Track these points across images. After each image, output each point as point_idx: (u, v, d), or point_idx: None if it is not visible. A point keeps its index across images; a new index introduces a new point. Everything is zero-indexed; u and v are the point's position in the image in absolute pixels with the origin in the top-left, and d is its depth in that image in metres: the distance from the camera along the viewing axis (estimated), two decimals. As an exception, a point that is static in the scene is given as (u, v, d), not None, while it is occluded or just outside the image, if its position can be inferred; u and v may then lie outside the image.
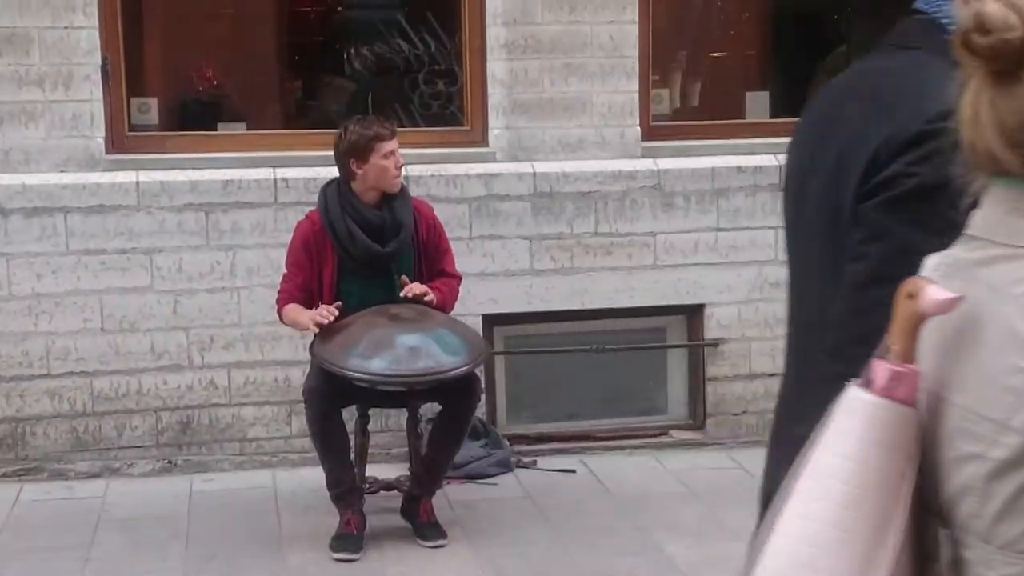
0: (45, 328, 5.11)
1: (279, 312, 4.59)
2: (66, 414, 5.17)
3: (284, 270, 4.64)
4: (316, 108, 6.41)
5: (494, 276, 5.37)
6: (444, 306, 4.56)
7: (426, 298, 4.43)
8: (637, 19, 5.45)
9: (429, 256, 4.63)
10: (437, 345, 4.30)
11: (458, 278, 4.70)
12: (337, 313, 4.34)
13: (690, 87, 6.29)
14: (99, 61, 5.11)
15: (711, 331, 5.60)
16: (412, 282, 4.46)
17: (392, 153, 4.51)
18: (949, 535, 1.32)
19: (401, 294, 4.42)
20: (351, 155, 4.51)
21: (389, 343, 4.26)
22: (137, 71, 5.64)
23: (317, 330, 4.35)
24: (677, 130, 5.73)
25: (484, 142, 5.47)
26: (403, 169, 4.60)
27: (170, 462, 5.25)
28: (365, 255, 4.50)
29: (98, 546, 4.47)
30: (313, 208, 4.64)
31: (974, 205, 1.32)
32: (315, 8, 6.69)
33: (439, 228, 4.70)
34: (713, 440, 5.63)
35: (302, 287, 4.56)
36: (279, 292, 4.62)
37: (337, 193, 4.55)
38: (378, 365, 4.23)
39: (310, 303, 4.54)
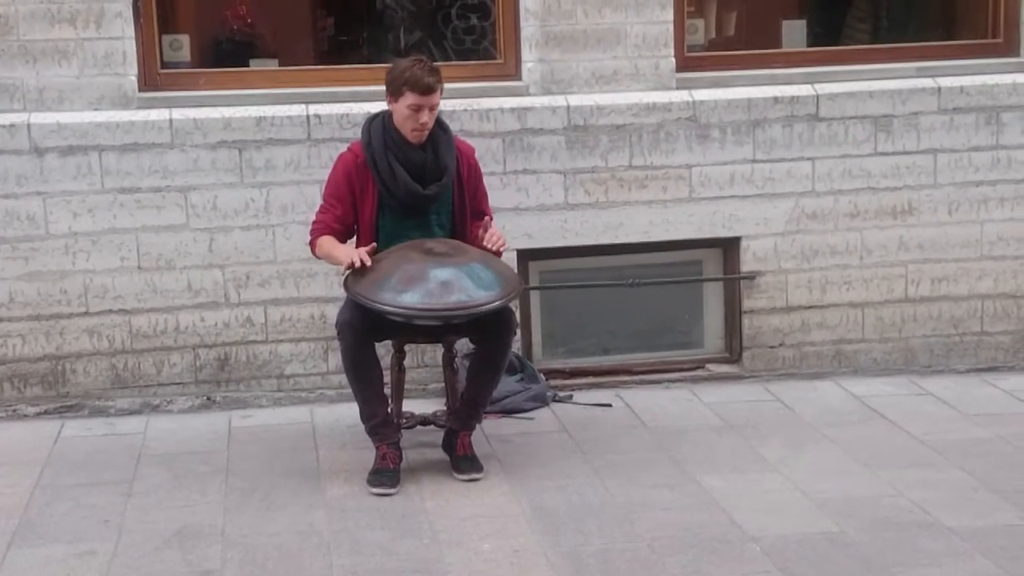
0: (83, 266, 5.15)
1: (311, 243, 4.54)
2: (105, 351, 5.22)
3: (320, 201, 4.58)
4: (348, 44, 6.37)
5: (528, 211, 5.36)
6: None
7: (502, 248, 4.42)
8: (671, -52, 5.37)
9: (469, 197, 4.57)
10: (470, 279, 4.26)
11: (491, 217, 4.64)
12: (370, 261, 4.30)
13: (726, 17, 6.19)
14: (130, -2, 5.11)
15: (747, 264, 5.57)
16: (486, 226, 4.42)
17: (418, 109, 4.35)
18: None
19: (494, 248, 4.40)
20: (387, 88, 4.44)
21: (422, 277, 4.23)
22: (168, 8, 5.63)
23: (351, 268, 4.32)
24: (712, 61, 5.64)
25: (517, 75, 5.42)
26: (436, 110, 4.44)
27: (209, 398, 5.30)
28: (406, 195, 4.45)
29: (139, 481, 4.53)
30: (355, 140, 4.58)
31: None
32: (347, -57, 6.63)
33: (479, 170, 4.64)
34: (749, 373, 5.62)
35: (340, 219, 4.49)
36: (314, 223, 4.54)
37: (381, 127, 4.47)
38: (410, 299, 4.21)
39: (346, 238, 4.52)
